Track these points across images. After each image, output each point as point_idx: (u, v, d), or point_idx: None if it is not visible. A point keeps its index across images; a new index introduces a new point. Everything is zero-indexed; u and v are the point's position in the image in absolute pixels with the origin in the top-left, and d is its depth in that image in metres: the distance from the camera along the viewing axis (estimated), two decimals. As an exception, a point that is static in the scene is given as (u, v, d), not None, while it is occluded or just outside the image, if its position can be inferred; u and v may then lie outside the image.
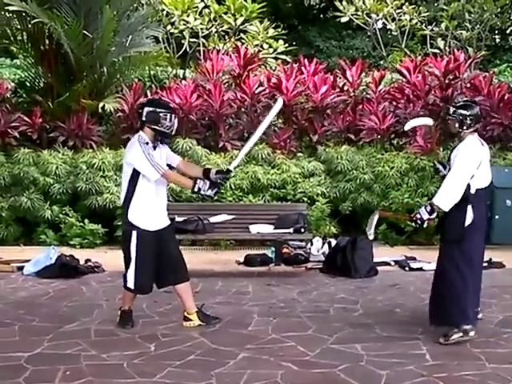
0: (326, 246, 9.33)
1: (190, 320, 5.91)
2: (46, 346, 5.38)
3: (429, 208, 5.64)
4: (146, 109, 5.68)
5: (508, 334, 5.71)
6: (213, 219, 8.56)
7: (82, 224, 10.20)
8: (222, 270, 8.63)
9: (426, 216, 5.65)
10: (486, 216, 5.79)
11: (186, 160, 8.86)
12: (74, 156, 10.75)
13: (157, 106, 5.76)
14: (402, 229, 10.28)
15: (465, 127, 5.63)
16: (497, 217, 10.24)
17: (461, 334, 5.49)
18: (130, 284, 5.77)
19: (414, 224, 6.05)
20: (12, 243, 10.31)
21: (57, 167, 10.45)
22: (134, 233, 5.66)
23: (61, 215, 10.32)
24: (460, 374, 4.73)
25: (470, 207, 5.51)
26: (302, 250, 9.25)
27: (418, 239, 10.12)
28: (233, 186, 10.42)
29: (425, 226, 5.78)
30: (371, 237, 6.20)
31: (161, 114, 5.64)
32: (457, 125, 5.64)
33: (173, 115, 5.73)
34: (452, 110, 5.72)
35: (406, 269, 8.61)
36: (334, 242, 9.16)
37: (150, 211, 5.69)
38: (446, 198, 5.53)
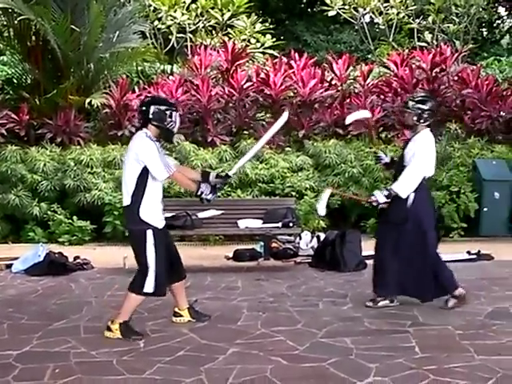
0: (315, 240, 9.33)
1: (181, 316, 5.89)
2: (35, 343, 5.35)
3: (386, 193, 6.07)
4: (153, 107, 5.51)
5: (497, 325, 5.73)
6: (201, 215, 8.54)
7: (70, 221, 10.16)
8: (211, 266, 8.62)
9: (382, 199, 6.09)
10: (431, 203, 6.35)
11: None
12: (61, 153, 10.72)
13: (162, 104, 5.62)
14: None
15: (422, 121, 6.05)
16: (485, 209, 10.30)
17: (387, 301, 6.28)
18: (149, 288, 5.45)
19: (367, 205, 6.39)
20: (0, 241, 10.26)
21: (44, 164, 10.42)
22: (150, 232, 5.43)
23: (49, 212, 10.28)
24: (449, 366, 4.75)
25: (412, 194, 5.97)
26: (290, 244, 9.24)
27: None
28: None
29: (378, 208, 6.24)
30: (322, 212, 6.42)
31: (167, 112, 5.52)
32: (414, 118, 6.05)
33: (177, 112, 5.63)
34: (411, 103, 6.11)
35: (395, 262, 8.62)
36: (322, 235, 9.16)
37: (158, 209, 5.55)
38: (406, 186, 5.96)
